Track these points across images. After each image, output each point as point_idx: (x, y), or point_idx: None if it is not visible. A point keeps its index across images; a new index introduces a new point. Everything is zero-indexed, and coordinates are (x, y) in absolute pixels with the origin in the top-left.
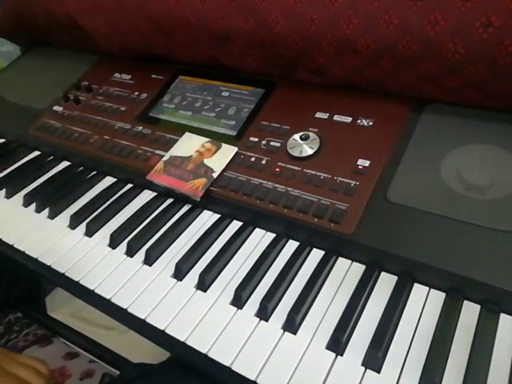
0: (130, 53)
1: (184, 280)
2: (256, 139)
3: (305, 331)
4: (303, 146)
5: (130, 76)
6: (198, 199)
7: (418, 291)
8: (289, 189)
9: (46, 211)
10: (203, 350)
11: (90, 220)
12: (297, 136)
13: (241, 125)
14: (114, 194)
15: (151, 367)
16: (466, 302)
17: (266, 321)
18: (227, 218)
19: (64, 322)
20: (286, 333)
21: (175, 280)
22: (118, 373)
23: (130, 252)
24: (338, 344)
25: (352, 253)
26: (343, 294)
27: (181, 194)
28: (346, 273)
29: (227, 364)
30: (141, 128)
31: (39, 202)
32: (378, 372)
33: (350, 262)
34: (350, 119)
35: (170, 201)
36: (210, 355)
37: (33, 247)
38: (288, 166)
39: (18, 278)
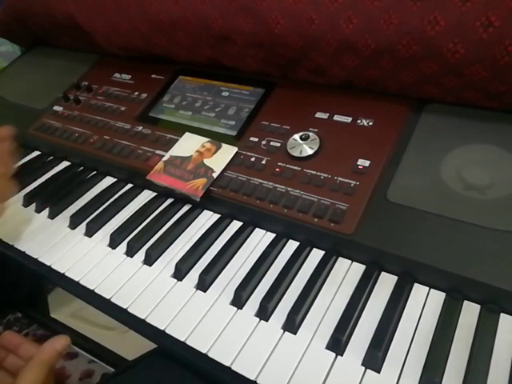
0: (130, 53)
1: (184, 280)
2: (256, 139)
3: (305, 331)
4: (303, 146)
5: (130, 76)
6: (198, 199)
7: (418, 291)
8: (289, 189)
9: (46, 211)
10: (203, 350)
11: (90, 220)
12: (297, 136)
13: (241, 125)
14: (114, 194)
15: (140, 357)
16: (466, 302)
17: (266, 321)
18: (227, 217)
19: (64, 322)
20: (286, 333)
21: (175, 280)
22: None
23: (130, 252)
24: (337, 344)
25: (352, 253)
26: (343, 293)
27: (181, 194)
28: (346, 273)
29: (227, 364)
30: (141, 128)
31: (39, 202)
32: (378, 372)
33: (350, 262)
34: (349, 119)
35: (170, 201)
36: (210, 355)
37: (33, 247)
38: (288, 166)
39: (19, 278)
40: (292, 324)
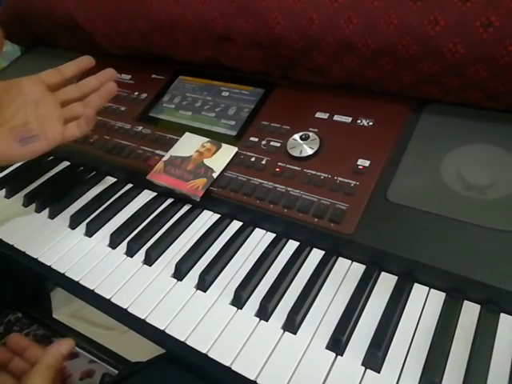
0: (129, 52)
1: (184, 280)
2: (256, 139)
3: (305, 331)
4: (303, 146)
5: (130, 76)
6: (198, 199)
7: (418, 291)
8: (289, 189)
9: (46, 211)
10: (203, 350)
11: (90, 220)
12: (297, 136)
13: (241, 125)
14: (114, 194)
15: (145, 363)
16: (465, 302)
17: (266, 321)
18: (227, 217)
19: (64, 322)
20: (286, 333)
21: (175, 280)
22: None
23: (130, 252)
24: (337, 344)
25: (352, 253)
26: (343, 294)
27: (181, 194)
28: (346, 273)
29: (227, 364)
30: (141, 128)
31: (39, 202)
32: (378, 372)
33: (350, 261)
34: (349, 119)
35: (170, 201)
36: (210, 355)
37: (33, 247)
38: (288, 166)
39: (19, 278)
40: (292, 324)
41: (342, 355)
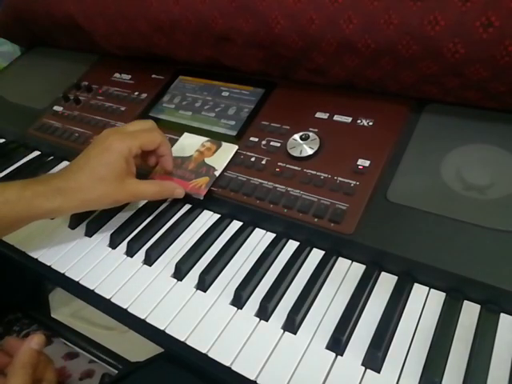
0: (129, 52)
1: (184, 280)
2: (256, 139)
3: (305, 331)
4: (303, 146)
5: (130, 76)
6: (202, 198)
7: (418, 291)
8: (289, 189)
9: None
10: (203, 350)
11: (90, 220)
12: (297, 136)
13: (241, 125)
14: None
15: (143, 362)
16: (465, 302)
17: (266, 321)
18: (227, 217)
19: (64, 322)
20: (286, 333)
21: (175, 280)
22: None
23: (130, 252)
24: (337, 344)
25: (352, 253)
26: (343, 294)
27: None
28: (346, 273)
29: (227, 364)
30: None
31: None
32: (378, 372)
33: (350, 261)
34: (349, 119)
35: (170, 201)
36: (210, 355)
37: (33, 247)
38: (288, 166)
39: (19, 278)
40: (292, 324)
41: (342, 355)
